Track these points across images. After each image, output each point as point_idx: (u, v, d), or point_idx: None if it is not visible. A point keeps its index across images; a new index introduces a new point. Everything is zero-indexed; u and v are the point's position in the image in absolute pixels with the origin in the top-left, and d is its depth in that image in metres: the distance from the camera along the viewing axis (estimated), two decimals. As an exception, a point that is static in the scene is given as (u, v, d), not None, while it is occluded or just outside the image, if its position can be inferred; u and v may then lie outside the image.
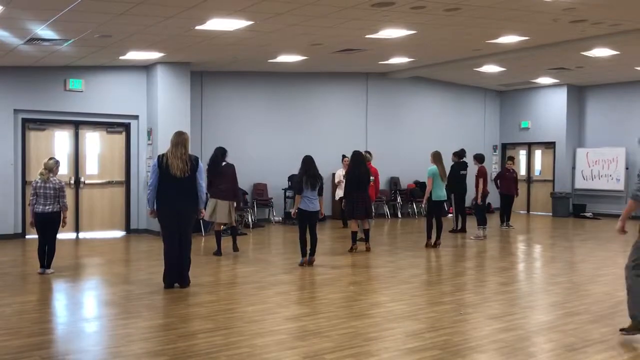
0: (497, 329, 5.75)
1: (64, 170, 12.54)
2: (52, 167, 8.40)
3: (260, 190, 14.84)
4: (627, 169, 16.64)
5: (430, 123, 17.62)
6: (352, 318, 6.09)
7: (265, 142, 14.99)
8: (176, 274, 7.32)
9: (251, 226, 13.76)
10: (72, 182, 12.59)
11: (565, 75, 15.95)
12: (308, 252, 9.10)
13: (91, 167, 12.86)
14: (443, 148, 17.51)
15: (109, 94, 12.75)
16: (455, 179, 12.77)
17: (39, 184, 8.27)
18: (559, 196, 17.42)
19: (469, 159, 13.32)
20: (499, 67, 14.86)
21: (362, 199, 10.22)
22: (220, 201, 10.03)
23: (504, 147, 19.24)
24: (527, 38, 11.06)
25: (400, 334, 5.57)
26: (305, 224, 9.08)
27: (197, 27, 9.29)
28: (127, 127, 13.12)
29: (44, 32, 9.07)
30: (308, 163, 9.20)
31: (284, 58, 12.65)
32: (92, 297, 7.54)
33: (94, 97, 12.60)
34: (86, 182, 12.73)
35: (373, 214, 10.79)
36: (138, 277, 8.55)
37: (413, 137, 17.14)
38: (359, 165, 10.32)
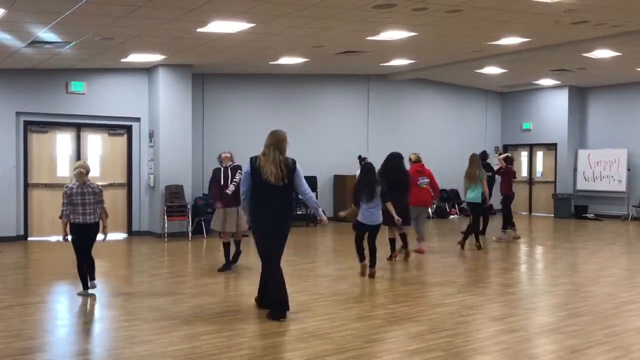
0: (500, 331, 5.74)
1: (65, 172, 12.59)
2: (88, 168, 7.17)
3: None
4: (628, 170, 16.62)
5: (431, 125, 17.61)
6: (354, 320, 6.08)
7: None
8: (279, 302, 6.00)
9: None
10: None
11: (567, 76, 15.94)
12: (368, 261, 8.26)
13: (93, 169, 12.72)
14: (444, 149, 17.68)
15: (111, 97, 12.77)
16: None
17: (74, 190, 6.92)
18: (561, 197, 17.41)
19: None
20: (501, 69, 14.85)
21: (399, 205, 9.00)
22: (228, 208, 8.79)
23: (506, 148, 19.23)
24: (528, 39, 11.06)
25: (402, 336, 5.57)
26: (365, 233, 8.26)
27: (199, 30, 9.30)
28: (129, 130, 13.13)
29: (46, 34, 9.08)
30: (366, 170, 8.48)
31: (285, 60, 12.66)
32: (94, 299, 7.54)
33: (96, 100, 12.62)
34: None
35: (409, 221, 9.73)
36: (140, 279, 8.56)
37: (414, 139, 17.10)
38: (394, 170, 9.52)
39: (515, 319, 6.15)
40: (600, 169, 17.18)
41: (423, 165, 10.76)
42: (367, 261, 8.24)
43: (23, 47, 9.88)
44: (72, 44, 9.90)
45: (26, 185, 12.15)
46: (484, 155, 13.15)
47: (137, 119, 13.10)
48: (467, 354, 5.04)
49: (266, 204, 5.99)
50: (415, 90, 17.28)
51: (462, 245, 11.00)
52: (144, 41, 10.06)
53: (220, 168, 8.90)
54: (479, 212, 11.21)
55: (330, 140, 15.81)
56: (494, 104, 19.17)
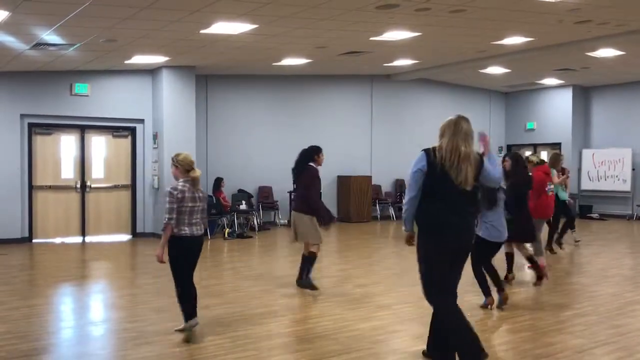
0: (505, 330, 5.73)
1: (70, 174, 12.63)
2: (193, 164, 5.55)
3: (265, 193, 14.86)
4: (633, 169, 16.57)
5: (435, 125, 17.12)
6: (359, 321, 6.08)
7: (270, 145, 15.00)
8: (473, 355, 4.36)
9: (257, 229, 13.78)
10: (79, 186, 12.62)
11: (571, 76, 15.91)
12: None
13: (97, 171, 12.89)
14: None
15: (115, 98, 12.80)
16: None
17: (186, 194, 5.36)
18: (565, 197, 17.35)
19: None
20: (504, 69, 14.83)
21: (524, 216, 7.51)
22: (296, 214, 7.44)
23: (509, 148, 19.20)
24: (532, 39, 11.04)
25: (407, 337, 5.56)
26: (493, 254, 6.68)
27: (202, 31, 9.31)
28: (132, 131, 13.15)
29: (50, 37, 9.11)
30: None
31: (288, 61, 12.67)
32: (98, 300, 7.56)
33: (100, 102, 12.64)
34: (92, 186, 12.76)
35: (536, 236, 8.10)
36: (144, 281, 8.57)
37: (418, 139, 17.08)
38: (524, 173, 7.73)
39: (521, 319, 6.13)
40: (605, 168, 17.13)
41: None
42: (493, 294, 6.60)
43: (27, 50, 9.91)
44: (76, 46, 9.92)
45: (31, 187, 12.17)
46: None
47: (141, 121, 13.12)
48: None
49: (445, 211, 4.35)
50: (418, 90, 17.27)
51: (552, 250, 10.37)
52: (148, 43, 10.07)
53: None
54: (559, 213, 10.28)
55: (334, 141, 15.79)
56: (498, 103, 19.15)
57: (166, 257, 5.33)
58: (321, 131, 15.63)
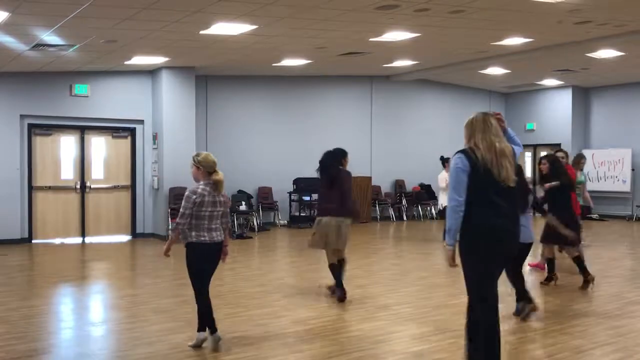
0: (504, 332, 5.72)
1: (69, 174, 12.63)
2: (215, 165, 5.18)
3: (265, 193, 14.85)
4: (633, 170, 16.57)
5: (435, 125, 17.59)
6: (359, 321, 6.08)
7: (270, 146, 15.00)
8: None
9: (256, 230, 13.77)
10: (78, 186, 12.63)
11: (571, 76, 15.91)
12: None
13: (97, 172, 12.89)
14: (448, 151, 17.60)
15: (115, 99, 12.80)
16: None
17: (206, 199, 5.04)
18: (565, 198, 17.34)
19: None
20: (504, 69, 14.83)
21: (567, 216, 7.40)
22: (334, 219, 6.95)
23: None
24: (531, 40, 11.04)
25: (406, 337, 5.56)
26: (522, 258, 6.44)
27: (202, 32, 9.32)
28: (132, 132, 13.15)
29: (50, 37, 9.11)
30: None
31: (288, 62, 12.67)
32: (98, 301, 7.55)
33: (100, 102, 12.65)
34: (92, 186, 12.76)
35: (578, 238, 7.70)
36: (144, 281, 8.57)
37: (418, 140, 17.13)
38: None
39: (520, 320, 6.12)
40: (605, 169, 17.13)
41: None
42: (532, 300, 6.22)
43: (27, 50, 9.91)
44: (75, 47, 9.92)
45: (30, 188, 12.17)
46: None
47: (141, 122, 13.12)
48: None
49: (498, 216, 4.09)
50: (418, 91, 17.27)
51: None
52: (147, 44, 10.08)
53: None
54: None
55: (333, 141, 15.59)
56: (498, 104, 19.14)
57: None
58: (321, 132, 15.63)
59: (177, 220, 5.06)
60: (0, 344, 5.29)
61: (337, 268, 7.02)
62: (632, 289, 7.66)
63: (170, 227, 12.31)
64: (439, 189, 12.32)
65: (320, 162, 7.21)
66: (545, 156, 7.80)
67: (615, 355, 4.98)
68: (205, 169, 5.08)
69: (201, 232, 5.04)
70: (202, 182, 5.09)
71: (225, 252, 5.26)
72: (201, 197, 5.00)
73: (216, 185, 5.07)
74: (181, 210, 5.01)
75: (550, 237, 7.56)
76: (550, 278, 7.84)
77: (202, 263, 5.14)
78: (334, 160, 7.18)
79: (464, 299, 6.99)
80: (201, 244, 5.05)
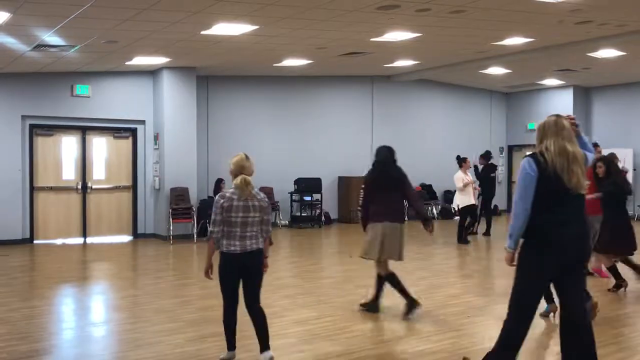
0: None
1: (71, 175, 12.64)
2: (251, 169, 4.81)
3: (266, 193, 14.81)
4: (634, 170, 16.55)
5: (436, 125, 17.59)
6: (360, 321, 6.08)
7: (271, 146, 15.00)
8: None
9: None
10: (80, 187, 12.64)
11: (572, 76, 15.90)
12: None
13: (98, 172, 12.90)
14: (449, 151, 17.62)
15: (116, 100, 12.81)
16: (487, 182, 12.72)
17: (234, 203, 4.60)
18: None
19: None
20: (505, 69, 14.82)
21: (620, 226, 7.08)
22: (393, 225, 6.27)
23: (511, 149, 19.20)
24: (532, 40, 11.03)
25: (408, 337, 5.56)
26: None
27: (203, 32, 9.32)
28: (133, 132, 13.16)
29: (51, 38, 9.12)
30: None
31: (289, 62, 12.67)
32: (99, 301, 7.56)
33: (101, 103, 12.66)
34: (93, 187, 12.77)
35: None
36: (145, 282, 8.57)
37: (419, 140, 17.11)
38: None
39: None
40: (606, 169, 17.09)
41: None
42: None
43: (28, 51, 9.92)
44: (76, 48, 9.93)
45: (32, 188, 12.18)
46: (487, 155, 13.15)
47: (142, 122, 13.13)
48: (473, 354, 5.02)
49: (562, 222, 3.90)
50: (419, 91, 17.26)
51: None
52: (149, 44, 10.08)
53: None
54: None
55: (335, 142, 15.81)
56: (499, 104, 19.14)
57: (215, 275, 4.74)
58: (322, 132, 15.64)
59: (210, 228, 4.71)
60: (2, 345, 5.30)
61: (394, 279, 6.28)
62: (634, 288, 7.65)
63: (170, 226, 12.32)
64: (455, 189, 12.25)
65: (379, 159, 6.48)
66: (601, 158, 7.49)
67: (618, 355, 4.98)
68: (233, 171, 4.73)
69: (232, 241, 4.59)
70: (233, 187, 4.72)
71: (265, 263, 4.76)
72: (229, 202, 4.57)
73: (240, 188, 4.62)
74: (212, 217, 4.64)
75: (610, 245, 7.09)
76: (619, 285, 7.36)
77: (230, 274, 4.65)
78: (390, 157, 6.45)
79: (464, 299, 7.00)
80: (229, 253, 4.60)
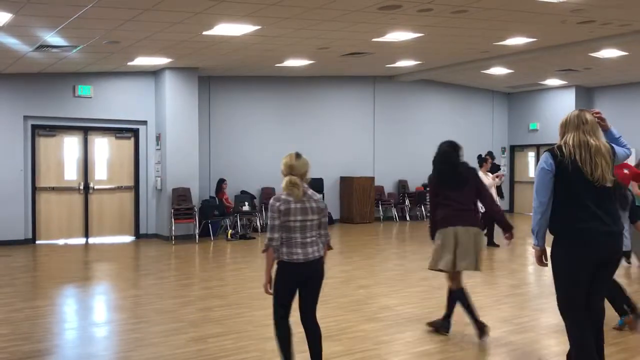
0: (508, 332, 5.72)
1: (73, 175, 12.65)
2: (305, 168, 4.30)
3: (268, 194, 14.84)
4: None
5: (438, 125, 17.58)
6: (362, 321, 6.08)
7: (273, 146, 14.98)
8: None
9: (260, 230, 13.78)
10: (82, 187, 12.65)
11: (574, 76, 15.89)
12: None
13: (100, 173, 12.92)
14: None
15: (118, 100, 12.82)
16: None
17: (292, 206, 4.16)
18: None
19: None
20: (507, 69, 14.82)
21: None
22: (461, 230, 5.40)
23: (513, 149, 19.18)
24: (535, 39, 11.02)
25: (410, 337, 5.55)
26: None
27: (205, 33, 9.32)
28: (135, 133, 13.17)
29: (53, 39, 9.13)
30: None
31: (291, 62, 12.67)
32: (101, 302, 7.57)
33: (103, 103, 12.67)
34: (95, 187, 12.79)
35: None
36: (147, 282, 8.58)
37: (421, 140, 17.11)
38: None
39: (524, 320, 6.12)
40: (608, 169, 17.06)
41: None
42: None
43: (30, 52, 9.93)
44: (78, 48, 9.94)
45: (34, 189, 12.20)
46: (490, 155, 13.10)
47: (144, 122, 13.14)
48: (476, 355, 5.02)
49: (592, 218, 3.79)
50: (421, 91, 17.27)
51: None
52: (150, 44, 10.09)
53: None
54: None
55: (336, 142, 15.82)
56: (501, 104, 19.13)
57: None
58: (324, 132, 15.65)
59: (267, 235, 4.14)
60: (5, 345, 5.31)
61: (462, 296, 5.50)
62: (636, 289, 7.63)
63: (172, 227, 12.32)
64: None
65: (444, 156, 5.56)
66: None
67: (619, 356, 4.96)
68: (282, 172, 4.28)
69: (293, 249, 4.11)
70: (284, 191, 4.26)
71: (322, 268, 4.27)
72: (286, 204, 4.11)
73: (290, 189, 4.17)
74: (269, 223, 4.16)
75: None
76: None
77: (290, 285, 4.22)
78: (457, 155, 5.55)
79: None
80: (292, 263, 4.11)
